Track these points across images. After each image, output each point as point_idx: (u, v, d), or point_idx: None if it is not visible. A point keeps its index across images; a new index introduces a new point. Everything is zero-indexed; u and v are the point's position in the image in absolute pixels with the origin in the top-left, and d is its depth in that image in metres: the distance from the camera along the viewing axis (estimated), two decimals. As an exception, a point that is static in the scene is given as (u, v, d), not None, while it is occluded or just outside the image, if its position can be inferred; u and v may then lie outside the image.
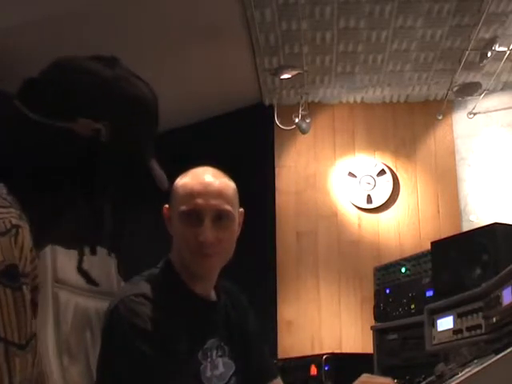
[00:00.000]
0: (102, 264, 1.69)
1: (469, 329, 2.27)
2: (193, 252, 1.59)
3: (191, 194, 1.59)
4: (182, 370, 1.50)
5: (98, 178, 1.02)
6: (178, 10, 3.53)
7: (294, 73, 4.16)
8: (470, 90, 4.38)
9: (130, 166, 1.06)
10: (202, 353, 1.59)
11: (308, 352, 4.15)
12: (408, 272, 3.33)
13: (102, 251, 1.10)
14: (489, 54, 3.83)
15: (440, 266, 2.82)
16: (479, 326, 2.20)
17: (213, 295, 1.70)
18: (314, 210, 4.68)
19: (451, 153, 4.70)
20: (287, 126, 4.61)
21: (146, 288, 1.56)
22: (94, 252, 1.08)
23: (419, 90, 4.68)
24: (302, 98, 4.55)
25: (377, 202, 4.64)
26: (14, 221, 0.90)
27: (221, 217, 1.59)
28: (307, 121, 4.50)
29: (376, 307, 3.47)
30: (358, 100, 4.83)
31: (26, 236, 0.90)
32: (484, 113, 4.65)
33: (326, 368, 3.42)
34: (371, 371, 3.19)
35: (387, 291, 3.41)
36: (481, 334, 2.18)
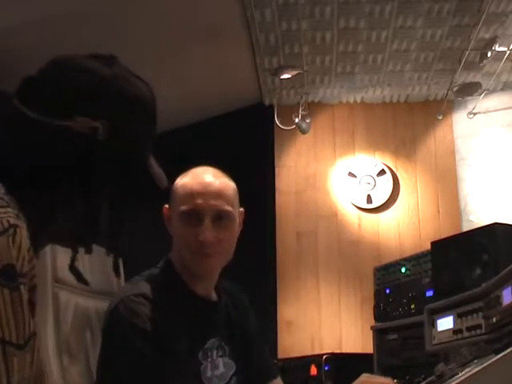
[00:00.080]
0: (101, 264, 1.69)
1: (469, 329, 2.27)
2: (193, 252, 1.59)
3: (191, 194, 1.59)
4: (181, 370, 1.50)
5: (95, 176, 1.02)
6: (178, 9, 3.53)
7: (294, 73, 4.16)
8: (470, 89, 4.38)
9: (128, 165, 1.06)
10: (202, 353, 1.59)
11: (308, 352, 4.15)
12: (408, 272, 3.33)
13: (100, 250, 1.10)
14: (489, 54, 3.83)
15: (440, 266, 2.82)
16: (479, 326, 2.19)
17: (213, 295, 1.69)
18: (314, 209, 4.68)
19: (451, 153, 4.70)
20: (287, 125, 4.61)
21: (145, 288, 1.56)
22: (89, 251, 1.07)
23: (419, 90, 4.68)
24: (301, 98, 4.55)
25: (377, 201, 4.64)
26: (12, 220, 0.90)
27: (221, 217, 1.59)
28: (307, 121, 4.50)
29: (376, 307, 3.47)
30: (358, 100, 4.83)
31: (23, 236, 0.90)
32: (484, 113, 4.65)
33: (326, 368, 3.42)
34: (371, 371, 3.19)
35: (387, 291, 3.41)
36: (481, 334, 2.18)
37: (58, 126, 1.00)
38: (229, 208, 1.60)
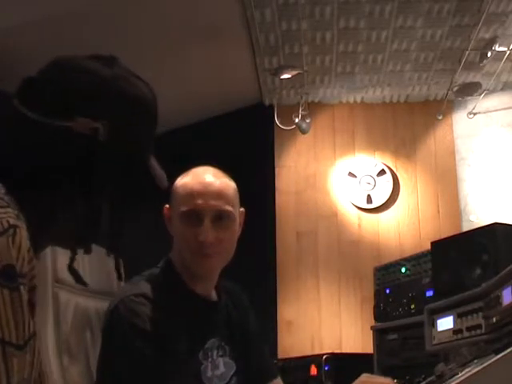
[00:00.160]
0: (101, 264, 1.69)
1: (469, 329, 2.27)
2: (193, 252, 1.58)
3: (191, 194, 1.59)
4: (182, 370, 1.50)
5: (96, 176, 1.02)
6: (178, 9, 3.53)
7: (294, 73, 4.16)
8: (470, 89, 4.38)
9: (129, 165, 1.06)
10: (202, 353, 1.59)
11: (308, 352, 4.15)
12: (408, 272, 3.33)
13: (100, 251, 1.10)
14: (489, 54, 3.83)
15: (440, 266, 2.82)
16: (479, 326, 2.19)
17: (213, 295, 1.69)
18: (314, 209, 4.68)
19: (451, 153, 4.70)
20: (287, 126, 4.61)
21: (146, 288, 1.56)
22: (88, 251, 1.07)
23: (419, 90, 4.68)
24: (302, 98, 4.55)
25: (377, 201, 4.64)
26: (12, 221, 0.90)
27: (221, 217, 1.59)
28: (307, 121, 4.50)
29: (376, 307, 3.47)
30: (358, 100, 4.83)
31: (23, 236, 0.90)
32: (484, 113, 4.65)
33: (326, 368, 3.42)
34: (371, 371, 3.19)
35: (387, 291, 3.41)
36: (481, 334, 2.18)
37: (58, 126, 1.00)
38: (229, 208, 1.60)
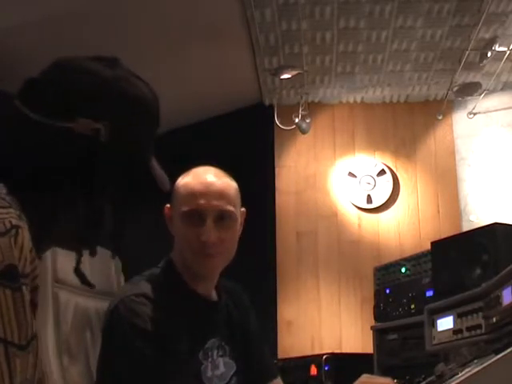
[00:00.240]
0: (101, 264, 1.69)
1: (469, 329, 2.27)
2: (195, 252, 1.58)
3: (193, 194, 1.59)
4: (182, 370, 1.50)
5: (97, 177, 1.02)
6: (178, 9, 3.53)
7: (294, 73, 4.16)
8: (470, 90, 4.38)
9: (130, 166, 1.06)
10: (202, 353, 1.59)
11: (308, 352, 4.15)
12: (408, 272, 3.33)
13: (103, 252, 1.10)
14: (489, 54, 3.83)
15: (440, 266, 2.82)
16: (479, 326, 2.20)
17: (214, 295, 1.69)
18: (314, 209, 4.68)
19: (451, 153, 4.70)
20: (287, 126, 4.60)
21: (146, 288, 1.55)
22: (93, 253, 1.08)
23: (419, 90, 4.68)
24: (302, 98, 4.55)
25: (377, 201, 4.64)
26: (14, 221, 0.90)
27: (223, 217, 1.59)
28: (307, 121, 4.50)
29: (376, 307, 3.47)
30: (358, 100, 4.83)
31: (25, 236, 0.90)
32: (484, 113, 4.65)
33: (326, 368, 3.42)
34: (371, 371, 3.19)
35: (387, 291, 3.41)
36: (481, 334, 2.18)
37: (59, 127, 1.00)
38: (231, 208, 1.60)
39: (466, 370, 1.50)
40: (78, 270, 1.10)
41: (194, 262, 1.59)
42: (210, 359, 1.60)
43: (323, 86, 4.62)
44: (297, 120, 4.45)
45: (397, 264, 3.45)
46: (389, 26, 3.89)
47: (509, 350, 1.39)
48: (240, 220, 1.66)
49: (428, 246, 3.02)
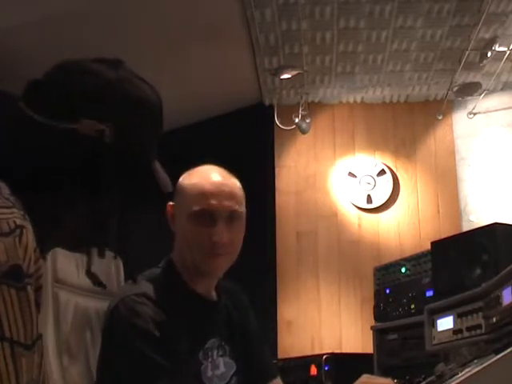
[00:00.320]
0: (103, 265, 1.69)
1: (469, 329, 2.27)
2: (205, 252, 1.58)
3: (204, 194, 1.58)
4: (182, 370, 1.50)
5: (101, 179, 1.02)
6: (178, 10, 3.53)
7: (294, 73, 4.16)
8: (470, 90, 4.38)
9: (134, 168, 1.07)
10: (202, 353, 1.59)
11: (308, 352, 4.15)
12: (408, 272, 3.33)
13: (107, 254, 1.11)
14: (489, 54, 3.83)
15: (440, 266, 2.82)
16: (479, 326, 2.20)
17: (214, 295, 1.70)
18: (314, 209, 4.68)
19: (451, 153, 4.70)
20: (287, 126, 4.61)
21: (146, 288, 1.56)
22: (102, 255, 1.08)
23: (419, 90, 4.68)
24: (301, 98, 4.55)
25: (377, 201, 4.64)
26: (18, 221, 0.90)
27: (232, 217, 1.60)
28: (307, 121, 4.50)
29: (376, 307, 3.47)
30: (358, 100, 4.83)
31: (29, 236, 0.91)
32: (484, 113, 4.65)
33: (326, 368, 3.42)
34: (371, 371, 3.19)
35: (387, 291, 3.41)
36: (481, 334, 2.18)
37: (64, 128, 1.01)
38: (239, 208, 1.61)
39: (466, 369, 1.50)
40: (89, 273, 1.10)
41: (201, 262, 1.59)
42: (210, 359, 1.60)
43: (323, 86, 4.63)
44: (297, 120, 4.45)
45: (397, 264, 3.45)
46: (389, 26, 3.89)
47: (509, 350, 1.39)
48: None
49: (428, 246, 3.02)
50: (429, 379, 1.73)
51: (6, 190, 0.95)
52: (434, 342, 2.54)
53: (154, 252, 1.88)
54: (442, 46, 4.10)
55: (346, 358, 3.70)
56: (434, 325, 2.55)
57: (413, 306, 3.19)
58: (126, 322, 1.49)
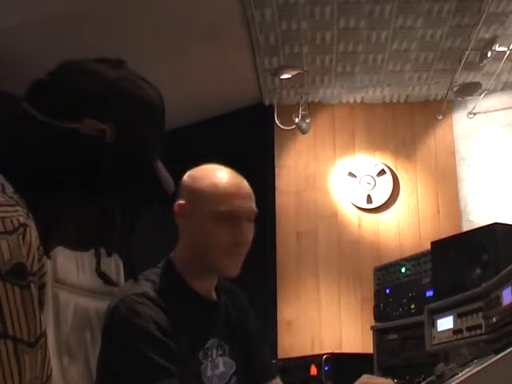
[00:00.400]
0: (103, 264, 1.68)
1: (469, 329, 2.27)
2: (226, 252, 1.58)
3: (226, 195, 1.58)
4: (182, 370, 1.50)
5: (103, 178, 1.02)
6: (178, 9, 3.53)
7: (294, 73, 4.16)
8: (470, 90, 4.38)
9: (136, 168, 1.07)
10: (202, 352, 1.59)
11: (308, 352, 4.15)
12: (408, 272, 3.33)
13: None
14: (489, 54, 3.83)
15: (440, 266, 2.82)
16: (479, 326, 2.20)
17: (213, 295, 1.70)
18: (314, 209, 4.68)
19: (451, 153, 4.70)
20: (287, 126, 4.61)
21: (146, 287, 1.55)
22: (110, 254, 1.08)
23: (419, 90, 4.68)
24: (301, 98, 4.55)
25: (377, 202, 4.64)
26: (22, 219, 0.90)
27: (251, 218, 1.62)
28: (307, 121, 4.50)
29: (376, 307, 3.47)
30: (358, 100, 4.83)
31: (33, 234, 0.91)
32: (484, 113, 4.65)
33: (326, 368, 3.42)
34: (371, 371, 3.19)
35: (387, 291, 3.41)
36: (481, 334, 2.18)
37: (65, 128, 1.01)
38: (256, 209, 1.64)
39: (466, 369, 1.50)
40: (99, 272, 1.10)
41: (220, 262, 1.59)
42: (209, 359, 1.60)
43: (323, 86, 4.63)
44: (297, 120, 4.45)
45: (397, 264, 3.45)
46: (389, 26, 3.89)
47: (509, 350, 1.39)
48: None
49: (428, 246, 3.02)
50: (429, 379, 1.73)
51: (9, 189, 0.96)
52: (434, 342, 2.54)
53: (153, 252, 1.88)
54: (442, 45, 4.10)
55: (346, 358, 3.70)
56: (434, 325, 2.55)
57: (413, 306, 3.19)
58: (126, 321, 1.49)
